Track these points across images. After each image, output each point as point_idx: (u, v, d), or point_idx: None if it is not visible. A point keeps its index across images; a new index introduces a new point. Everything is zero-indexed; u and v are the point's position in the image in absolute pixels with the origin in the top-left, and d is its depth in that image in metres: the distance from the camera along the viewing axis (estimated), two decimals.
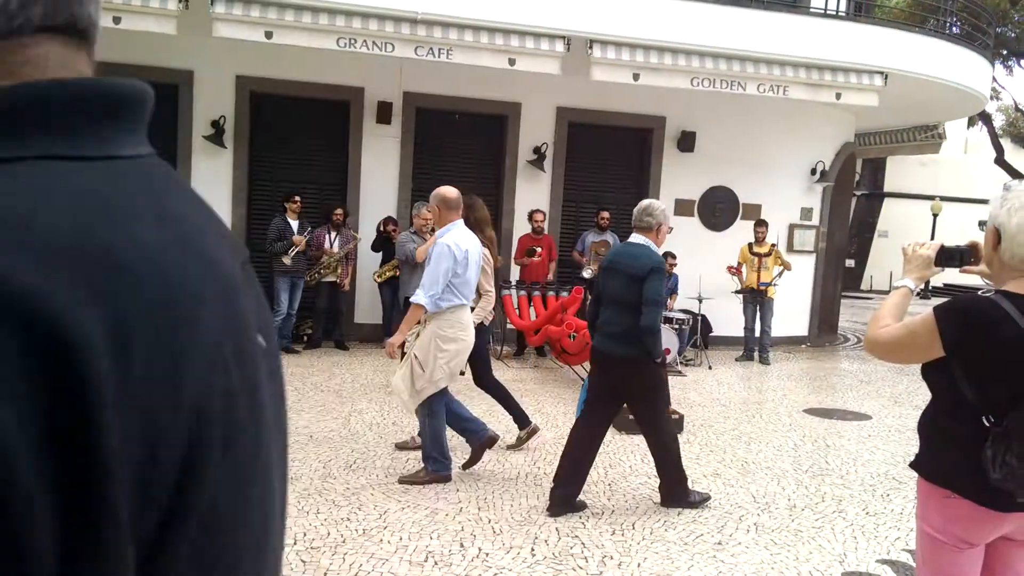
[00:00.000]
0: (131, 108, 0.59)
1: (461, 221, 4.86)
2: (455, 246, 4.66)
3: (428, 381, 4.68)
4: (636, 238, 4.64)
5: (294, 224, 9.05)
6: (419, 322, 4.82)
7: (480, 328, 5.37)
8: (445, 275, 4.61)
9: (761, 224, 10.27)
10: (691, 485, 4.87)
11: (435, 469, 4.90)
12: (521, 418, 5.71)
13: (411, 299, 4.73)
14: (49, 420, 0.45)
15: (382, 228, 9.65)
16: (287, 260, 8.86)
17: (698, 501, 4.76)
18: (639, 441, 6.15)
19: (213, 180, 9.72)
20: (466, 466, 5.15)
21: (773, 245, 10.35)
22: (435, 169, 10.48)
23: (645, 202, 4.75)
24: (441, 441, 4.90)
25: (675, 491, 4.72)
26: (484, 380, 5.71)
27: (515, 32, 8.38)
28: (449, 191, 4.88)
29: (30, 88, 0.54)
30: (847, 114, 11.79)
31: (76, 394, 0.46)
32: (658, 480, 4.81)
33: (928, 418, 2.26)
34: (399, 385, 4.86)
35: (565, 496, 4.57)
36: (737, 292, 10.37)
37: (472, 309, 5.06)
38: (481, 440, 5.08)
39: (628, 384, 4.62)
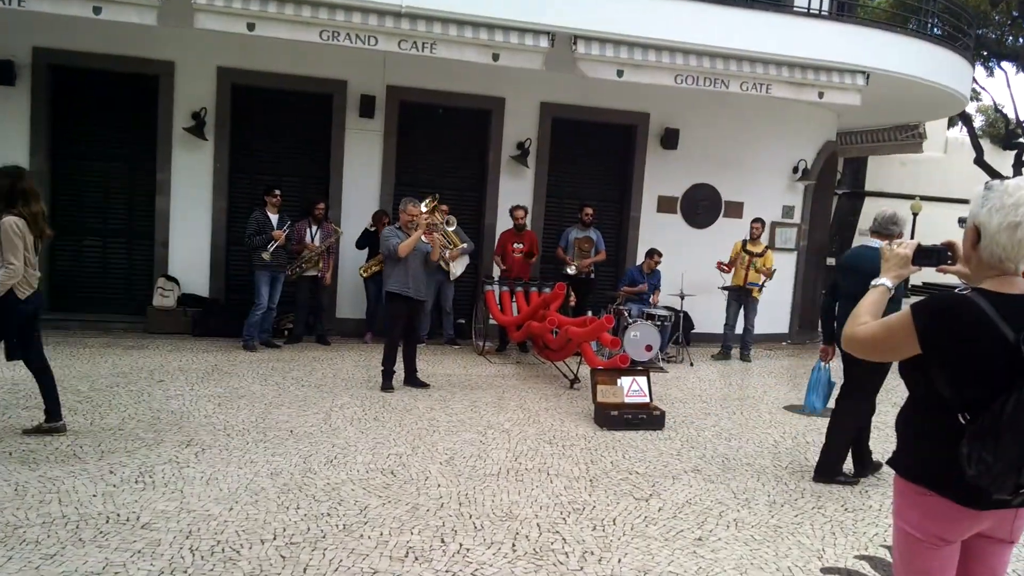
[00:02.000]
0: None
1: None
2: None
3: None
4: (873, 242, 5.24)
5: (274, 218, 8.93)
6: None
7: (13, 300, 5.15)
8: None
9: (757, 220, 10.30)
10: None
11: None
12: (53, 408, 5.43)
13: None
14: None
15: (376, 221, 9.57)
16: (266, 256, 8.75)
17: (845, 481, 5.36)
18: (620, 437, 6.18)
19: (194, 172, 9.67)
20: None
21: (767, 247, 10.38)
22: (418, 163, 10.46)
23: (891, 211, 5.34)
24: None
25: (829, 466, 5.39)
26: (21, 353, 5.33)
27: (499, 27, 8.35)
28: None
29: None
30: (829, 113, 11.87)
31: None
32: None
33: (905, 415, 2.27)
34: None
35: (831, 466, 5.37)
36: (723, 289, 10.40)
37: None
38: None
39: (857, 362, 5.12)
